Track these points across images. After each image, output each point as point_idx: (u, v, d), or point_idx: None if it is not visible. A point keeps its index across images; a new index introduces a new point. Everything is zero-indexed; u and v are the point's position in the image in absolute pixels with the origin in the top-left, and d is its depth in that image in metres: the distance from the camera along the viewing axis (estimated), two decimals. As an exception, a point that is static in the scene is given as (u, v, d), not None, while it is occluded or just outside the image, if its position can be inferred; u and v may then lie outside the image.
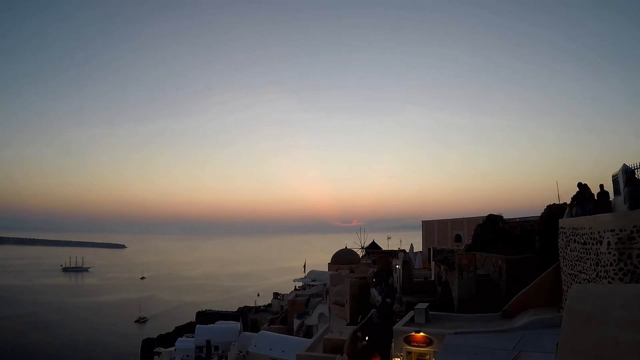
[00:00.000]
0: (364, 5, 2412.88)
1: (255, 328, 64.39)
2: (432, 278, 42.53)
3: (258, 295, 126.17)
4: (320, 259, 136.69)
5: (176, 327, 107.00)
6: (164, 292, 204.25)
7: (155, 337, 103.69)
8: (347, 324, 41.71)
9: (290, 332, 57.17)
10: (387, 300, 38.14)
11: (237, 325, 66.64)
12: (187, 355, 59.97)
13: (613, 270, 15.20)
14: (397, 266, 44.94)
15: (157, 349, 76.64)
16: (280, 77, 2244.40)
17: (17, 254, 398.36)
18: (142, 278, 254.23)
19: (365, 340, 33.03)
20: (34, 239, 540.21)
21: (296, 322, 59.03)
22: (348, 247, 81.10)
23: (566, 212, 21.15)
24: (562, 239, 20.83)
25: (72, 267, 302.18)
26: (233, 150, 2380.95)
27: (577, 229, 18.53)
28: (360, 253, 79.05)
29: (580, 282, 17.73)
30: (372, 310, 37.43)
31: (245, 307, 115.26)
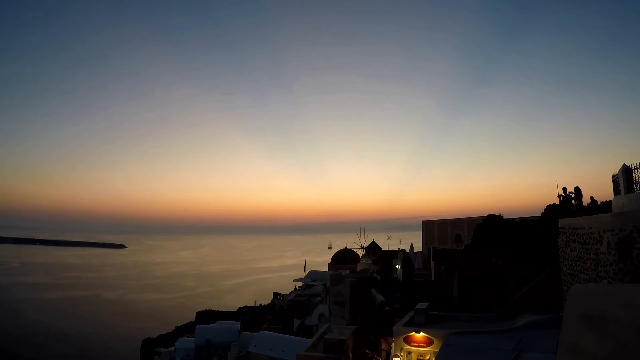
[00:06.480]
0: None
1: (255, 328, 64.30)
2: (432, 278, 42.53)
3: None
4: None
5: (176, 327, 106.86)
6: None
7: (155, 337, 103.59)
8: (347, 324, 41.69)
9: (290, 332, 57.12)
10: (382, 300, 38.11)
11: (237, 325, 66.58)
12: (187, 355, 59.89)
13: (613, 270, 15.19)
14: (397, 266, 45.01)
15: (157, 349, 76.60)
16: (280, 78, 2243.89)
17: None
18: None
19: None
20: (33, 238, 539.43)
21: (296, 322, 59.03)
22: (348, 247, 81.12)
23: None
24: (562, 239, 20.81)
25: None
26: (232, 150, 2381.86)
27: (577, 229, 18.52)
28: (360, 253, 79.00)
29: (580, 282, 17.71)
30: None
31: (245, 307, 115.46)
